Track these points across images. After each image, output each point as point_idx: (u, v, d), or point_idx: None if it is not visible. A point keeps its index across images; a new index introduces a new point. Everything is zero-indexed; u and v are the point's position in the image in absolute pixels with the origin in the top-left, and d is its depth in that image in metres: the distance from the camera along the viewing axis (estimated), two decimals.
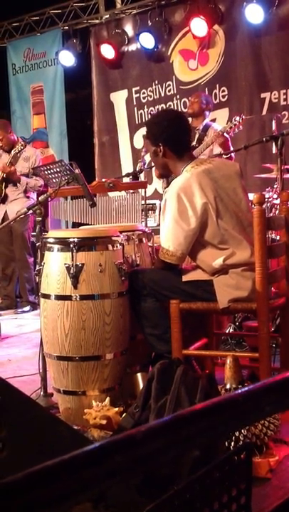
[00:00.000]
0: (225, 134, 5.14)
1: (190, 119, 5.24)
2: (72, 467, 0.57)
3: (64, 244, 2.98)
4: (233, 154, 5.17)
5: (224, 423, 0.70)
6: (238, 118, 5.14)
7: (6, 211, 6.07)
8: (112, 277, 2.98)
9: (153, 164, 5.87)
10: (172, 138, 3.07)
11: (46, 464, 0.56)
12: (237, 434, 2.27)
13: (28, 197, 6.13)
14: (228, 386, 2.53)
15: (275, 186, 4.41)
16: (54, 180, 3.72)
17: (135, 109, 7.55)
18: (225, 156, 4.65)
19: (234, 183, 3.05)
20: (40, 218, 3.30)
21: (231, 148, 5.21)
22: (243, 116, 5.24)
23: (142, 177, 5.05)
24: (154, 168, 6.08)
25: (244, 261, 2.93)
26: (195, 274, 3.05)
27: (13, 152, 6.04)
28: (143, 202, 4.39)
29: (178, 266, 3.08)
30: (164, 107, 7.16)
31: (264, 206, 2.86)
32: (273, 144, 4.08)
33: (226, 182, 3.02)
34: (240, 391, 0.72)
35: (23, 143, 6.20)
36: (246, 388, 0.73)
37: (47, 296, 3.01)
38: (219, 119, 6.55)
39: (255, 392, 0.72)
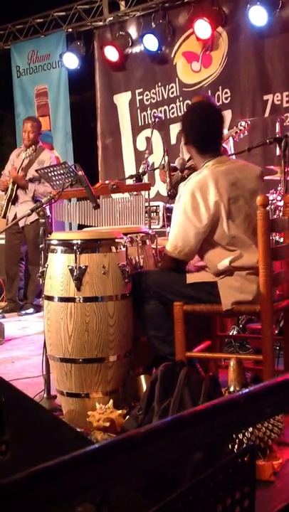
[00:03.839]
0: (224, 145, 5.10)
1: None
2: (72, 467, 0.57)
3: (67, 246, 2.98)
4: (234, 157, 5.14)
5: (225, 425, 0.70)
6: (243, 123, 5.12)
7: (16, 213, 6.09)
8: (116, 279, 2.98)
9: (158, 166, 5.90)
10: (198, 133, 3.04)
11: (47, 464, 0.56)
12: (241, 436, 2.27)
13: (36, 201, 6.14)
14: (231, 388, 2.52)
15: (279, 188, 4.41)
16: (57, 182, 3.72)
17: (138, 111, 7.55)
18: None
19: (254, 186, 3.04)
20: (43, 220, 3.30)
21: (229, 152, 5.18)
22: (249, 121, 5.22)
23: (145, 179, 5.04)
24: (157, 171, 6.10)
25: (251, 265, 2.92)
26: (199, 276, 3.04)
27: (23, 155, 6.07)
28: (146, 204, 4.38)
29: (184, 263, 3.06)
30: (167, 109, 7.17)
31: (268, 208, 2.85)
32: (277, 145, 4.08)
33: (246, 184, 3.01)
34: (241, 393, 0.72)
35: (38, 147, 6.23)
36: (247, 390, 0.73)
37: (50, 298, 3.01)
38: None
39: (256, 394, 0.72)
